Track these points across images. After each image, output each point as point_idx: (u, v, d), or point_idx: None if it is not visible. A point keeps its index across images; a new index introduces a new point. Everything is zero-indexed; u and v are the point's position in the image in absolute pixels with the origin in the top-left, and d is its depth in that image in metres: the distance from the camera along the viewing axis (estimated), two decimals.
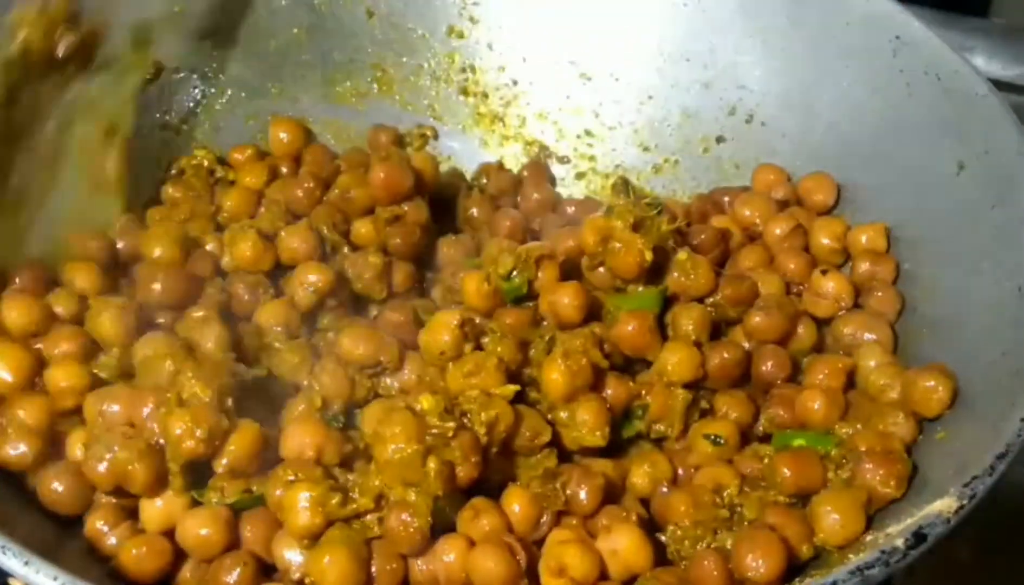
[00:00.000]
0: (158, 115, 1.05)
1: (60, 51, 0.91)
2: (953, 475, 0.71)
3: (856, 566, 0.65)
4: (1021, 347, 0.78)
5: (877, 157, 0.98)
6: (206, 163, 1.05)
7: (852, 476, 0.78)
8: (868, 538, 0.74)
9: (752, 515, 0.78)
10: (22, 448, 0.79)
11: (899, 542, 0.66)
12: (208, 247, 0.97)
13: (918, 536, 0.66)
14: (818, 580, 0.67)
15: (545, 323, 0.88)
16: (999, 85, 0.93)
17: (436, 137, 1.12)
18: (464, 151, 1.12)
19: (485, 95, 1.13)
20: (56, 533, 0.78)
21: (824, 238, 0.97)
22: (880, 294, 0.93)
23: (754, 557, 0.73)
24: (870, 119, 0.99)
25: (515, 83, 1.12)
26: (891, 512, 0.76)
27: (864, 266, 0.95)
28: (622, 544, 0.75)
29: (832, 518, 0.76)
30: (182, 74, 1.06)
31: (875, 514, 0.77)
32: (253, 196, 1.01)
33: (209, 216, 1.00)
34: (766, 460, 0.81)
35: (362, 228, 0.97)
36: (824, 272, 0.94)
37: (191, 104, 1.07)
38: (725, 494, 0.79)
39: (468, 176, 1.11)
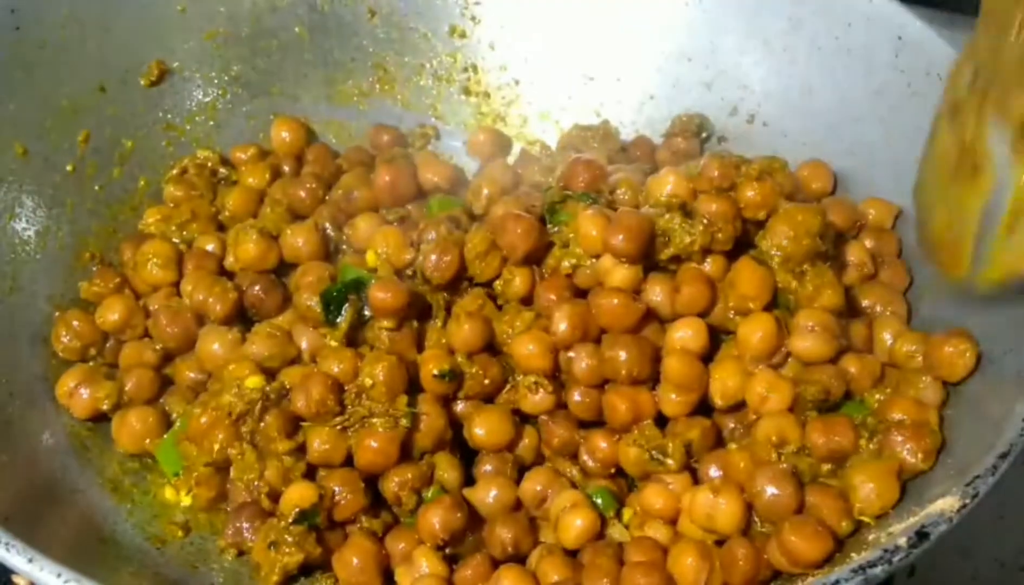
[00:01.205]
0: (160, 114, 1.05)
1: None
2: (955, 474, 0.71)
3: (858, 564, 0.66)
4: (1022, 347, 0.79)
5: (879, 157, 0.98)
6: (209, 163, 1.04)
7: (881, 447, 0.79)
8: (871, 537, 0.74)
9: (806, 480, 0.79)
10: None
11: (901, 541, 0.67)
12: (209, 247, 0.97)
13: (920, 535, 0.67)
14: (820, 578, 0.67)
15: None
16: None
17: (438, 137, 1.12)
18: (466, 151, 1.12)
19: (487, 95, 1.13)
20: (63, 534, 0.78)
21: None
22: (889, 268, 0.94)
23: (800, 540, 0.73)
24: (872, 119, 0.99)
25: (517, 83, 1.12)
26: (895, 514, 0.76)
27: (869, 242, 0.95)
28: (723, 507, 0.77)
29: (867, 487, 0.76)
30: (184, 74, 1.06)
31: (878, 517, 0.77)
32: (255, 196, 1.01)
33: (211, 216, 1.01)
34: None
35: (363, 228, 0.97)
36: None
37: (193, 103, 1.07)
38: (786, 450, 0.80)
39: (470, 176, 1.11)
